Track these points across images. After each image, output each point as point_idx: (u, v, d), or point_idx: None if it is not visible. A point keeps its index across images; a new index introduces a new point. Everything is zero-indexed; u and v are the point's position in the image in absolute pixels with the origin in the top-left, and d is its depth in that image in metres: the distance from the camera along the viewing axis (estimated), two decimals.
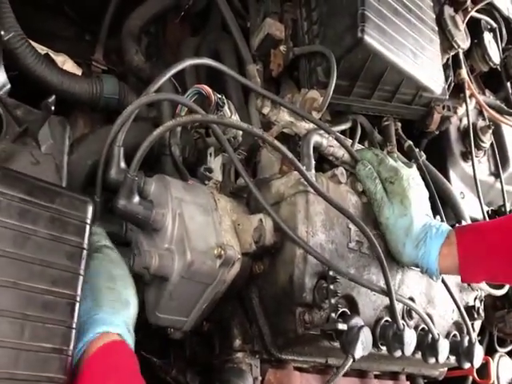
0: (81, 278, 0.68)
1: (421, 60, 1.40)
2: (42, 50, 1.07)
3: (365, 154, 1.23)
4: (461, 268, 1.11)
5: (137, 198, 0.86)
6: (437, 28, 1.52)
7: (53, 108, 0.72)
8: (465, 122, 1.88)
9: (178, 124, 0.88)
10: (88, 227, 0.70)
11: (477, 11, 1.97)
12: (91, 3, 1.40)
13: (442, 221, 1.46)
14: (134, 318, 0.85)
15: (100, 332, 0.75)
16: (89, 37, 1.43)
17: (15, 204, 0.63)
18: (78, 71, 1.16)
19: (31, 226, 0.64)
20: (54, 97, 0.72)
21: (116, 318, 0.79)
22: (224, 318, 1.09)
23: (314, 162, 1.12)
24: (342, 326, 1.00)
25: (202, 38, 1.47)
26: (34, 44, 1.03)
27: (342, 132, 1.38)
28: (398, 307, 1.16)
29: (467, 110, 1.80)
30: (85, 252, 0.69)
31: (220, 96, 1.06)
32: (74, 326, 0.67)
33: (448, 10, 1.76)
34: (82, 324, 0.74)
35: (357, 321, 1.05)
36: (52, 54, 1.10)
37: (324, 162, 1.31)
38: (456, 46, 1.71)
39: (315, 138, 1.15)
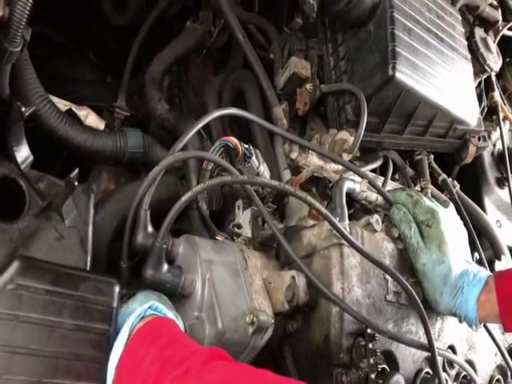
0: (103, 367, 0.64)
1: (454, 91, 1.34)
2: (64, 105, 1.05)
3: (398, 196, 1.17)
4: (502, 316, 1.04)
5: (165, 267, 0.82)
6: (469, 56, 1.45)
7: (76, 183, 0.69)
8: (499, 146, 1.81)
9: (208, 188, 0.84)
10: (114, 312, 0.66)
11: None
12: (113, 46, 1.38)
13: (481, 258, 1.39)
14: None
15: None
16: (110, 79, 1.41)
17: (39, 296, 0.60)
18: (102, 124, 1.13)
19: (56, 317, 0.61)
20: (77, 171, 0.69)
21: None
22: None
23: (347, 212, 1.06)
24: None
25: (225, 77, 1.43)
26: (56, 99, 1.01)
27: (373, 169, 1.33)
28: (439, 358, 1.09)
29: (501, 134, 1.72)
30: (111, 339, 0.65)
31: (247, 146, 1.01)
32: None
33: (479, 32, 1.69)
34: None
35: (397, 379, 0.99)
36: (74, 109, 1.08)
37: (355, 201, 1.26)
38: (489, 70, 1.64)
39: (347, 185, 1.09)
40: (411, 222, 1.12)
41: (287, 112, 1.28)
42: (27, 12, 0.73)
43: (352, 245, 0.97)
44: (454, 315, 1.09)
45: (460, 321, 1.09)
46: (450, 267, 1.06)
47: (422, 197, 1.17)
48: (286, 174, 1.26)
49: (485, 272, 1.09)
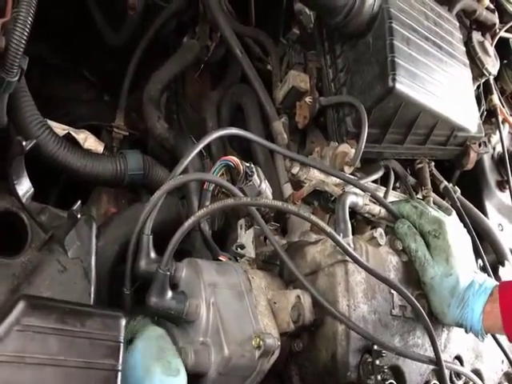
0: None
1: (454, 99, 1.33)
2: (62, 129, 1.04)
3: (402, 208, 1.16)
4: (505, 327, 1.03)
5: (169, 294, 0.81)
6: (468, 62, 1.44)
7: (79, 216, 0.68)
8: (499, 148, 1.80)
9: (210, 212, 0.83)
10: (122, 346, 0.66)
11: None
12: (110, 65, 1.38)
13: (485, 265, 1.39)
14: None
15: None
16: (108, 97, 1.40)
17: (46, 336, 0.59)
18: (101, 146, 1.12)
19: (63, 356, 0.60)
20: (79, 203, 0.68)
21: None
22: None
23: (350, 227, 1.05)
24: None
25: (223, 91, 1.42)
26: (54, 124, 1.00)
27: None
28: (446, 371, 1.09)
29: (501, 137, 1.72)
30: (119, 374, 0.64)
31: (248, 164, 1.01)
32: None
33: (476, 36, 1.69)
34: None
35: None
36: (73, 133, 1.07)
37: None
38: (487, 74, 1.64)
39: (350, 199, 1.09)
40: (416, 235, 1.11)
41: (287, 126, 1.27)
42: (24, 42, 0.73)
43: (357, 262, 0.96)
44: (461, 326, 1.09)
45: (466, 331, 1.09)
46: (457, 279, 1.05)
47: (426, 207, 1.16)
48: (287, 188, 1.26)
49: (491, 282, 1.08)
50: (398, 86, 1.17)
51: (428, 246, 1.10)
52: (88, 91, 1.37)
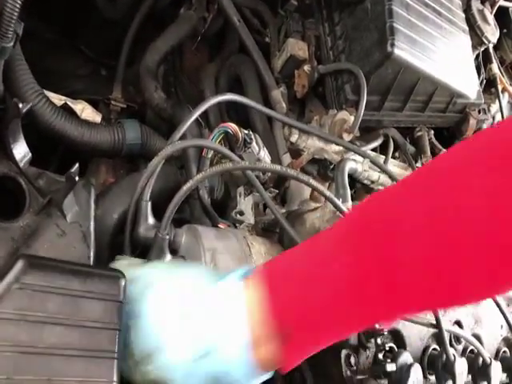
0: (115, 361, 0.64)
1: (453, 65, 1.33)
2: (59, 99, 1.04)
3: None
4: None
5: (168, 258, 0.82)
6: (467, 28, 1.43)
7: (77, 178, 0.68)
8: (498, 118, 1.79)
9: (209, 175, 0.83)
10: (121, 305, 0.66)
11: None
12: (106, 38, 1.37)
13: None
14: None
15: None
16: (104, 71, 1.39)
17: (45, 294, 0.60)
18: (98, 117, 1.12)
19: (63, 315, 0.61)
20: (77, 165, 0.68)
21: None
22: None
23: (349, 192, 1.05)
24: (390, 367, 0.95)
25: (221, 63, 1.41)
26: (51, 94, 1.00)
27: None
28: (446, 335, 1.10)
29: (501, 107, 1.71)
30: (117, 333, 0.65)
31: (246, 131, 1.00)
32: None
33: (475, 4, 1.67)
34: None
35: (405, 358, 1.00)
36: (70, 103, 1.06)
37: (357, 181, 1.25)
38: (486, 42, 1.62)
39: (349, 166, 1.09)
40: None
41: (285, 95, 1.26)
42: (18, 5, 0.71)
43: None
44: None
45: None
46: None
47: None
48: (286, 158, 1.26)
49: None
50: (397, 51, 1.16)
51: None
52: (85, 66, 1.36)
